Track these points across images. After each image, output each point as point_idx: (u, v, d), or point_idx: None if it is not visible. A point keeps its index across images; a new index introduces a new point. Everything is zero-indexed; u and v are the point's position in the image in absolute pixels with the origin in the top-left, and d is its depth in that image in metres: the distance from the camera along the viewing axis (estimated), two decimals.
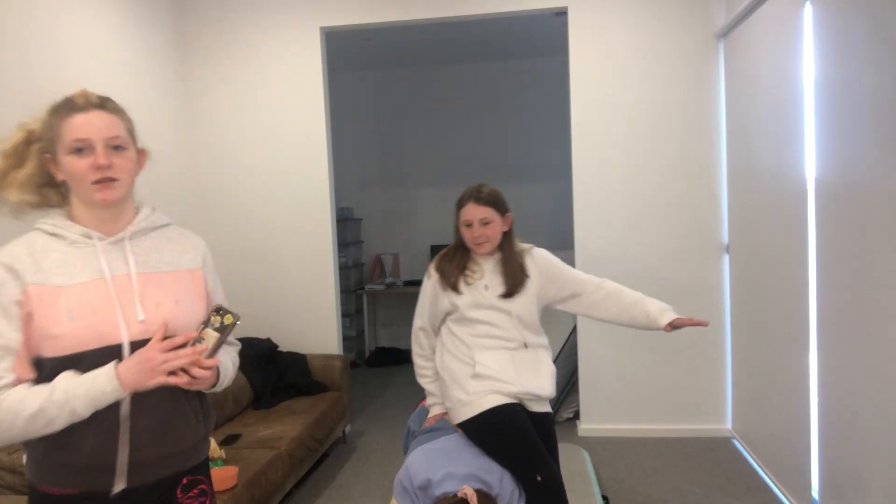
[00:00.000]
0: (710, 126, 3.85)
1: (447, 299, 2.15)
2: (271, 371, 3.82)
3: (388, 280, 6.31)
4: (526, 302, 2.13)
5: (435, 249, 6.32)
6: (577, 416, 4.21)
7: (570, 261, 4.60)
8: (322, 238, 4.12)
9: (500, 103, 6.25)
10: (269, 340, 4.06)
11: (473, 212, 2.11)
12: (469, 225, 2.12)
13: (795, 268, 2.83)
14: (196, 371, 1.23)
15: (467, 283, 2.13)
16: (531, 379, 2.09)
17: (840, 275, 2.40)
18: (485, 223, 2.11)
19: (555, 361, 4.17)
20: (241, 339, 3.98)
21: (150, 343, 1.22)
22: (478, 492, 1.87)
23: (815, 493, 2.74)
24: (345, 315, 6.02)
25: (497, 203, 2.14)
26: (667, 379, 3.98)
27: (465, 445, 2.04)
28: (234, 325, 1.29)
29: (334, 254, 4.16)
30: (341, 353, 4.18)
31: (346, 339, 5.90)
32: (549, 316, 4.52)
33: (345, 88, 6.39)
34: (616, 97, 3.91)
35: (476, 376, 2.04)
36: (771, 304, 3.16)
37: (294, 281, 4.17)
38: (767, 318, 3.22)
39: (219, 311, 1.30)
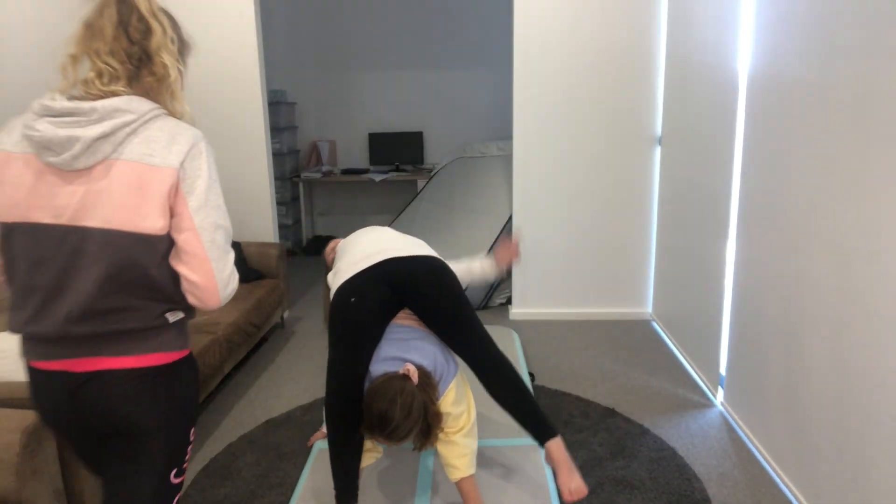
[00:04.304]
0: (652, 17, 3.79)
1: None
2: None
3: (324, 168, 6.17)
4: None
5: (374, 138, 6.17)
6: (509, 301, 4.39)
7: (509, 150, 4.58)
8: (253, 122, 3.95)
9: None
10: None
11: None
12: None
13: (722, 161, 2.92)
14: None
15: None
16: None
17: (762, 170, 2.50)
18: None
19: (490, 249, 4.29)
20: None
21: None
22: (417, 368, 1.96)
23: (722, 371, 3.00)
24: (280, 203, 5.91)
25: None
26: (595, 265, 4.16)
27: (394, 338, 2.11)
28: None
29: (267, 139, 4.02)
30: (277, 241, 4.14)
31: (283, 228, 5.84)
32: (486, 206, 4.58)
33: None
34: None
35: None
36: (696, 197, 3.29)
37: (224, 167, 4.02)
38: (692, 210, 3.36)
39: None
